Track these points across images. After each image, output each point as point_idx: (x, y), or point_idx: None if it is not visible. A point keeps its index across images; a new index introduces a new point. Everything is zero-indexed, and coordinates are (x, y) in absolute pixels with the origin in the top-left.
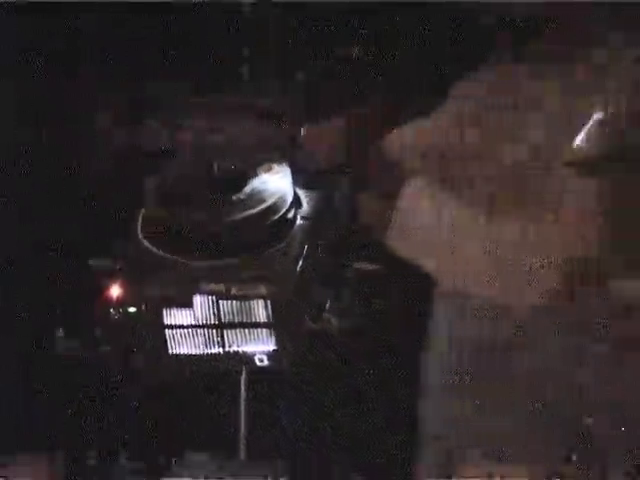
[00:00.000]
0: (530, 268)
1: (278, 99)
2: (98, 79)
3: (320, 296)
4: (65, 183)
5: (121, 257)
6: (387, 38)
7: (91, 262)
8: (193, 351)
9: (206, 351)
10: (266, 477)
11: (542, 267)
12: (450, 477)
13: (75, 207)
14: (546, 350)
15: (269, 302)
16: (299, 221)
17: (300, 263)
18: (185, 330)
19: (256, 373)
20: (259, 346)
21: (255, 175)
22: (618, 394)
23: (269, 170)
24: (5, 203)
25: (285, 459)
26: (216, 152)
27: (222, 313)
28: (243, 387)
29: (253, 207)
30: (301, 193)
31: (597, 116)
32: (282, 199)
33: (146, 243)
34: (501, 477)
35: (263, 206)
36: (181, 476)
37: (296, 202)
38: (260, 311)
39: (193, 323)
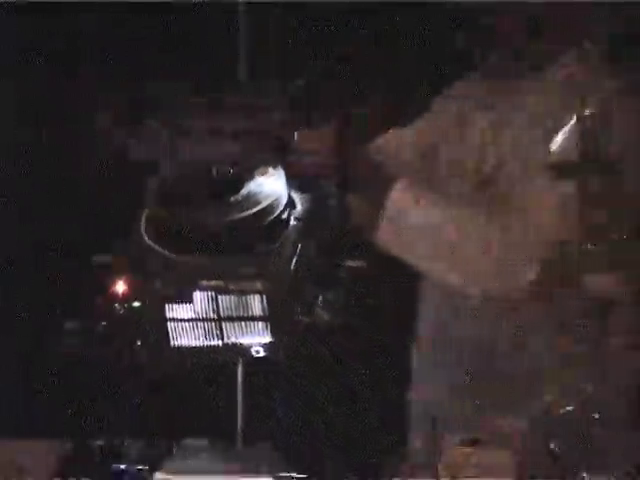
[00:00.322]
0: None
1: (278, 99)
2: (98, 79)
3: (312, 293)
4: (65, 183)
5: (124, 255)
6: (387, 38)
7: (94, 259)
8: (194, 343)
9: (206, 343)
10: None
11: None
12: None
13: (75, 207)
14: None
15: (265, 297)
16: (293, 222)
17: (294, 262)
18: (186, 323)
19: (252, 365)
20: (255, 338)
21: (251, 178)
22: None
23: (264, 173)
24: (5, 203)
25: (280, 449)
26: (215, 155)
27: (221, 307)
28: (240, 379)
29: (249, 208)
30: (295, 195)
31: (573, 119)
32: (277, 201)
33: (149, 242)
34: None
35: (259, 207)
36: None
37: (290, 204)
38: (256, 305)
39: (194, 317)
